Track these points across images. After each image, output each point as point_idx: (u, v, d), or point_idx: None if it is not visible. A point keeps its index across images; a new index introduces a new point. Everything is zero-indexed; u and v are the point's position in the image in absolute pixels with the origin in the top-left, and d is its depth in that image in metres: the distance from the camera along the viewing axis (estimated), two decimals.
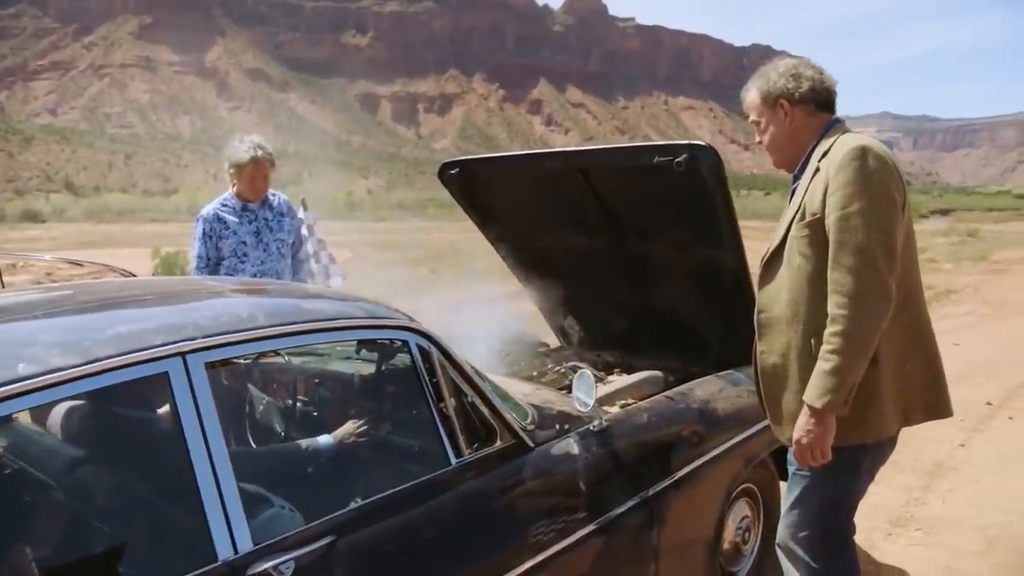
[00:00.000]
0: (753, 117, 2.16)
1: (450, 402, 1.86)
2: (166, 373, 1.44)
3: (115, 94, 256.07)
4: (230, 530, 1.43)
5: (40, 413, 1.64)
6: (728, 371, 2.92)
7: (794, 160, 2.12)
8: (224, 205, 3.58)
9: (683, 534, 2.36)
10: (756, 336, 2.16)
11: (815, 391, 1.87)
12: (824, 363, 1.86)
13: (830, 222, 1.88)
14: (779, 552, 2.18)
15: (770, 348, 2.07)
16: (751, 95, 2.15)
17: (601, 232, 3.43)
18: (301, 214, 5.88)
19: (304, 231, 5.66)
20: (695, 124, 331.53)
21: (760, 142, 2.20)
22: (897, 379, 1.96)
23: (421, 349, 1.85)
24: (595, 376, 3.13)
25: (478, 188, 3.65)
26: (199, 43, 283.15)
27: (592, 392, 2.11)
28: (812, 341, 1.94)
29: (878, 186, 1.87)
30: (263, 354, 1.73)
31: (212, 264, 3.53)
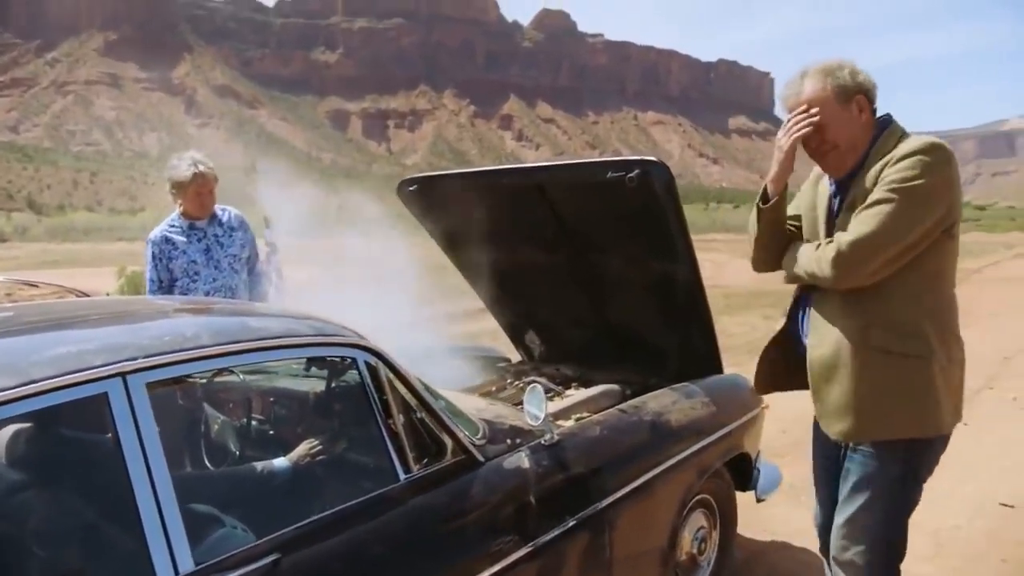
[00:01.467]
0: (813, 112, 2.00)
1: (398, 418, 1.87)
2: (106, 394, 1.43)
3: (80, 111, 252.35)
4: (171, 551, 1.42)
5: None
6: (684, 383, 2.95)
7: (850, 162, 2.05)
8: (172, 226, 3.54)
9: (636, 546, 2.38)
10: (801, 330, 2.16)
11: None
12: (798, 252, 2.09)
13: (880, 185, 1.91)
14: (835, 567, 2.16)
15: (821, 340, 2.05)
16: (814, 88, 2.01)
17: (559, 247, 3.47)
18: (265, 232, 5.84)
19: (267, 248, 5.62)
20: (665, 138, 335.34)
21: (823, 145, 2.04)
22: (945, 375, 2.01)
23: (369, 366, 1.86)
24: (553, 390, 3.18)
25: (437, 205, 3.67)
26: (166, 59, 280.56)
27: (543, 406, 2.13)
28: (868, 332, 1.98)
29: (933, 188, 1.89)
30: (209, 372, 1.72)
31: (166, 286, 3.50)
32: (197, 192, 3.48)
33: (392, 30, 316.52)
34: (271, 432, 2.22)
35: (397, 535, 1.77)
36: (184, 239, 3.51)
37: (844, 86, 2.00)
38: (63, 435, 1.61)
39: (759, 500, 3.19)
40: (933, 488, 4.17)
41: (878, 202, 1.91)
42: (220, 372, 1.85)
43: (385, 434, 1.84)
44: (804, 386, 2.21)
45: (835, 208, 2.11)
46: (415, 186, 3.61)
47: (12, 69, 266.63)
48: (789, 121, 2.06)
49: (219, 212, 3.65)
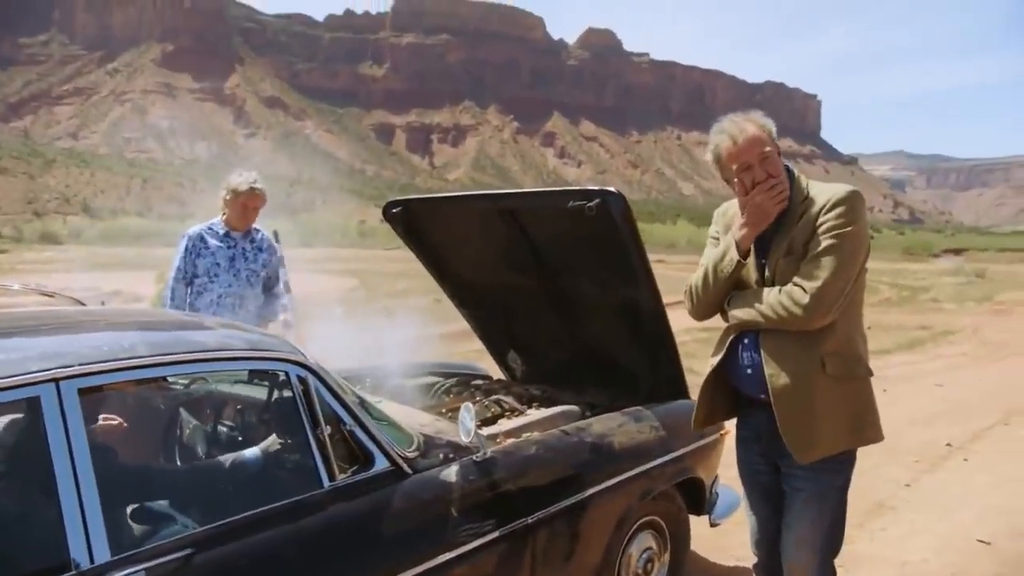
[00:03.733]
0: (765, 149, 2.17)
1: (326, 429, 2.00)
2: (38, 397, 1.59)
3: (135, 119, 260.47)
4: (88, 543, 1.57)
5: None
6: (636, 408, 3.04)
7: None
8: (210, 228, 3.91)
9: (566, 564, 2.46)
10: (753, 363, 2.28)
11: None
12: (750, 297, 2.24)
13: (822, 232, 2.13)
14: None
15: (779, 371, 2.21)
16: (755, 131, 2.19)
17: (532, 271, 3.59)
18: (274, 245, 6.07)
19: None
20: (708, 159, 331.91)
21: (755, 180, 2.20)
22: (871, 389, 2.27)
23: (300, 379, 2.00)
24: (516, 409, 3.29)
25: (420, 226, 3.82)
26: (218, 71, 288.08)
27: (473, 422, 2.24)
28: (825, 361, 2.17)
29: (861, 232, 2.15)
30: (143, 380, 1.88)
31: (188, 278, 3.83)
32: (245, 204, 3.85)
33: (439, 46, 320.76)
34: (203, 437, 2.37)
35: (315, 540, 1.89)
36: (217, 243, 3.86)
37: (769, 132, 2.22)
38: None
39: (713, 524, 3.25)
40: (911, 521, 4.24)
41: (829, 249, 2.12)
42: (155, 380, 2.00)
43: (312, 443, 1.98)
44: (731, 416, 2.43)
45: (763, 250, 2.27)
46: (399, 208, 3.76)
47: (76, 79, 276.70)
48: (764, 185, 2.19)
49: (254, 231, 4.01)
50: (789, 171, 2.26)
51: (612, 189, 2.92)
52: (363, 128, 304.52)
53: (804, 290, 2.12)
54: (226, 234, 3.89)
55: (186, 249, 3.83)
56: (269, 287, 4.08)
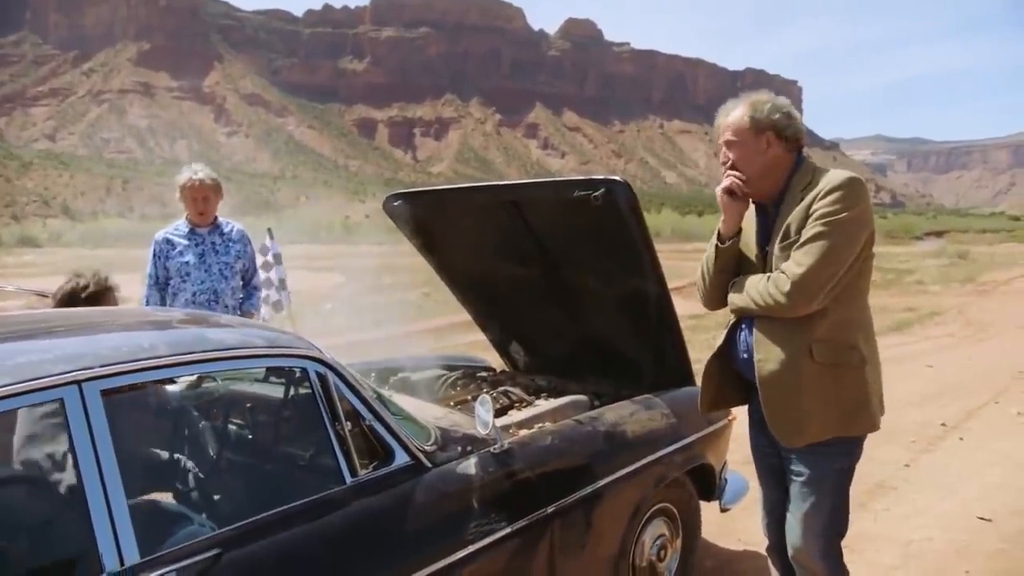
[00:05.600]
0: (728, 136, 2.27)
1: (346, 425, 1.99)
2: (61, 400, 1.57)
3: (113, 119, 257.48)
4: (118, 544, 1.55)
5: None
6: (646, 396, 3.05)
7: (764, 190, 2.29)
8: (176, 229, 3.87)
9: (584, 553, 2.47)
10: (748, 347, 2.30)
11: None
12: (744, 284, 2.27)
13: (813, 219, 2.12)
14: (796, 567, 2.37)
15: (767, 356, 2.23)
16: (737, 115, 2.26)
17: (535, 262, 3.58)
18: (268, 243, 6.04)
19: (270, 258, 5.83)
20: (691, 147, 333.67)
21: (724, 162, 2.31)
22: (872, 377, 2.24)
23: (319, 375, 1.99)
24: (524, 400, 3.29)
25: (421, 219, 3.80)
26: (197, 69, 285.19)
27: (491, 415, 2.24)
28: (812, 349, 2.17)
29: (857, 219, 2.11)
30: (165, 380, 1.86)
31: (161, 283, 3.80)
32: (192, 197, 3.80)
33: (419, 39, 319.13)
34: (227, 436, 2.36)
35: (340, 535, 1.89)
36: (184, 242, 3.81)
37: (759, 120, 2.23)
38: (22, 436, 1.76)
39: (723, 510, 3.27)
40: (913, 501, 4.29)
41: (817, 236, 2.11)
42: (177, 380, 1.99)
43: (333, 439, 1.97)
44: (743, 402, 2.40)
45: (764, 236, 2.30)
46: (399, 201, 3.74)
47: (51, 79, 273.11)
48: (724, 169, 2.31)
49: (223, 223, 3.94)
50: (800, 157, 2.29)
51: (618, 178, 2.92)
52: (345, 123, 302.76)
53: (787, 277, 2.13)
54: (191, 231, 3.85)
55: (154, 254, 3.80)
56: (247, 280, 4.04)
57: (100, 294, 3.03)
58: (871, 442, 2.38)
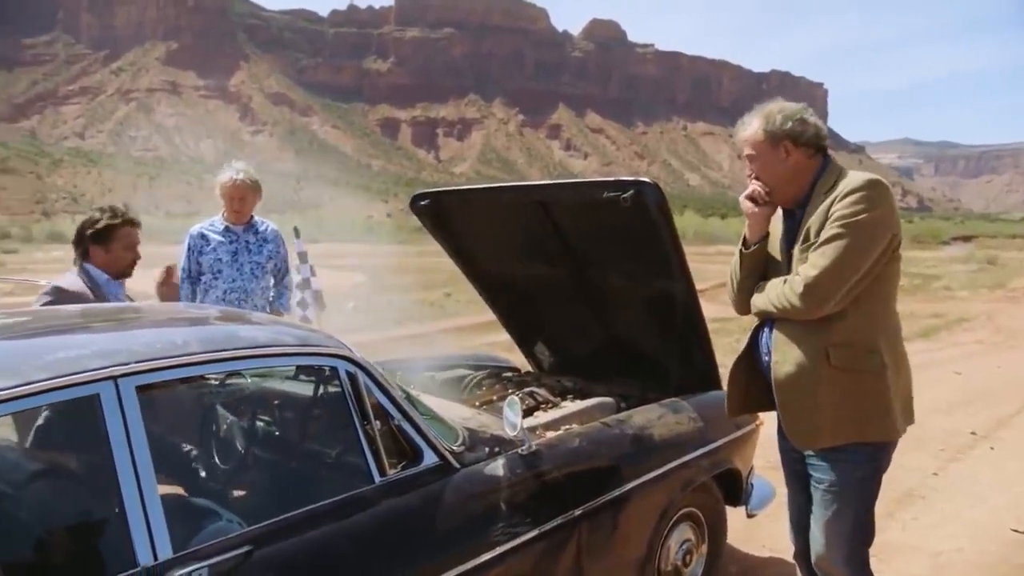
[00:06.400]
0: (748, 151, 2.31)
1: (376, 424, 1.99)
2: (98, 395, 1.59)
3: (141, 118, 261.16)
4: (151, 539, 1.57)
5: None
6: (673, 399, 3.03)
7: (787, 196, 2.30)
8: (211, 225, 3.91)
9: (610, 554, 2.46)
10: (769, 350, 2.30)
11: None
12: (766, 287, 2.27)
13: (830, 221, 2.11)
14: (816, 570, 2.35)
15: (784, 358, 2.22)
16: (751, 130, 2.28)
17: (562, 263, 3.58)
18: (294, 242, 6.10)
19: (296, 259, 5.89)
20: (714, 149, 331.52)
21: (750, 175, 2.35)
22: (896, 384, 2.20)
23: (349, 374, 2.00)
24: (550, 401, 3.28)
25: (448, 218, 3.81)
26: (223, 68, 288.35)
27: (519, 416, 2.23)
28: (829, 352, 2.15)
29: (876, 221, 2.09)
30: (198, 377, 1.88)
31: (193, 277, 3.84)
32: (231, 196, 3.84)
33: (443, 40, 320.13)
34: (257, 433, 2.38)
35: (369, 535, 1.89)
36: (218, 238, 3.85)
37: (772, 132, 2.24)
38: (58, 430, 1.78)
39: (750, 516, 3.24)
40: (942, 510, 4.22)
41: (833, 237, 2.10)
42: (210, 377, 2.00)
43: (362, 438, 1.97)
44: (774, 407, 2.37)
45: (790, 239, 2.29)
46: (427, 200, 3.75)
47: (81, 78, 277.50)
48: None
49: (257, 222, 3.98)
50: (825, 160, 2.28)
51: (647, 180, 2.90)
52: (369, 123, 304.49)
53: (801, 279, 2.13)
54: (226, 229, 3.89)
55: (188, 248, 3.84)
56: (278, 279, 4.07)
57: (112, 228, 3.05)
58: (899, 449, 2.34)
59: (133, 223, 3.17)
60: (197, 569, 1.57)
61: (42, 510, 1.68)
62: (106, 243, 3.10)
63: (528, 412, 3.11)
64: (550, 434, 2.65)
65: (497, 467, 2.22)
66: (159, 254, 4.07)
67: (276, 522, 1.76)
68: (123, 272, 3.17)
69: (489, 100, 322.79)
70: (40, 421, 1.76)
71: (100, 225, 3.09)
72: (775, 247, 2.36)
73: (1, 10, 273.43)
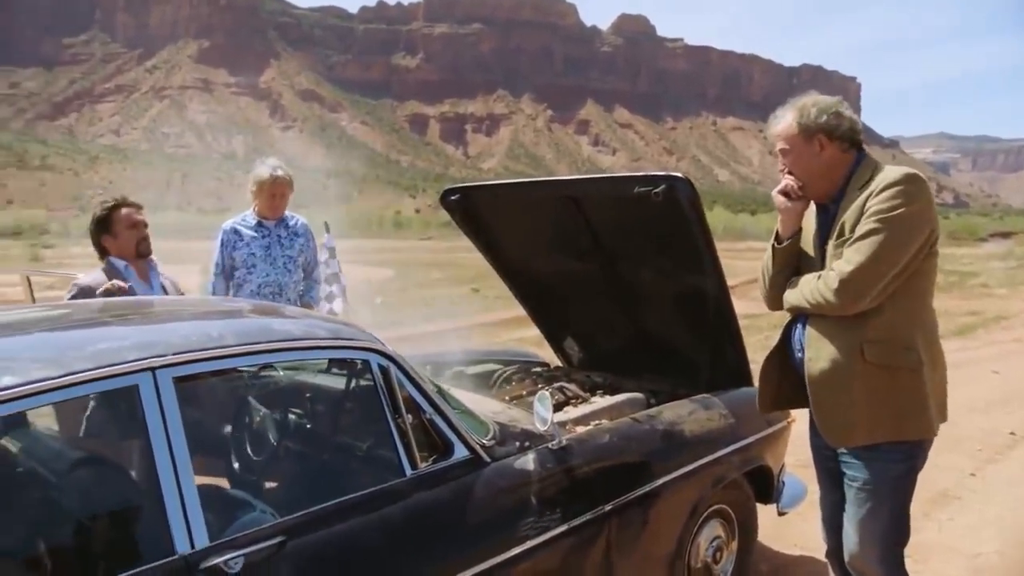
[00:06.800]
0: (781, 145, 2.28)
1: (407, 417, 2.00)
2: (136, 386, 1.62)
3: (174, 115, 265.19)
4: (188, 528, 1.59)
5: (20, 418, 1.84)
6: (704, 395, 3.00)
7: (821, 191, 2.27)
8: (243, 220, 3.94)
9: (640, 550, 2.45)
10: (802, 346, 2.28)
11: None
12: (799, 282, 2.25)
13: (866, 216, 2.08)
14: (854, 574, 2.32)
15: (818, 354, 2.20)
16: (785, 124, 2.26)
17: (593, 258, 3.56)
18: (324, 237, 6.14)
19: (325, 253, 5.93)
20: (744, 144, 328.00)
21: (782, 169, 2.33)
22: (932, 381, 2.17)
23: (381, 368, 2.01)
24: (580, 396, 3.28)
25: (478, 213, 3.81)
26: (254, 65, 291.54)
27: (550, 411, 2.23)
28: (864, 348, 2.12)
29: (913, 216, 2.05)
30: (233, 369, 1.90)
31: (227, 272, 3.88)
32: (271, 192, 3.87)
33: (471, 35, 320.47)
34: (290, 425, 2.40)
35: (400, 527, 1.91)
36: (251, 233, 3.89)
37: (807, 126, 2.21)
38: (98, 420, 1.82)
39: (781, 513, 3.21)
40: (980, 511, 4.13)
41: (869, 233, 2.07)
42: (244, 369, 2.03)
43: (394, 431, 1.98)
44: (806, 404, 2.33)
45: (824, 235, 2.26)
46: (457, 195, 3.76)
47: (116, 76, 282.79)
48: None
49: (288, 217, 4.02)
50: (860, 154, 2.25)
51: (679, 175, 2.87)
52: (397, 119, 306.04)
53: (836, 275, 2.10)
54: (258, 224, 3.92)
55: (222, 243, 3.88)
56: (308, 272, 4.11)
57: (110, 213, 3.14)
58: (934, 448, 2.29)
59: (128, 204, 3.23)
60: (233, 558, 1.59)
61: (83, 498, 1.72)
62: (110, 229, 3.17)
63: (558, 407, 3.10)
64: (580, 429, 2.64)
65: (527, 461, 2.22)
66: (191, 250, 4.12)
67: (309, 513, 1.78)
68: (139, 251, 3.22)
69: (517, 96, 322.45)
70: (81, 411, 1.80)
71: (99, 214, 3.18)
72: (808, 242, 2.33)
73: (43, 11, 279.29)
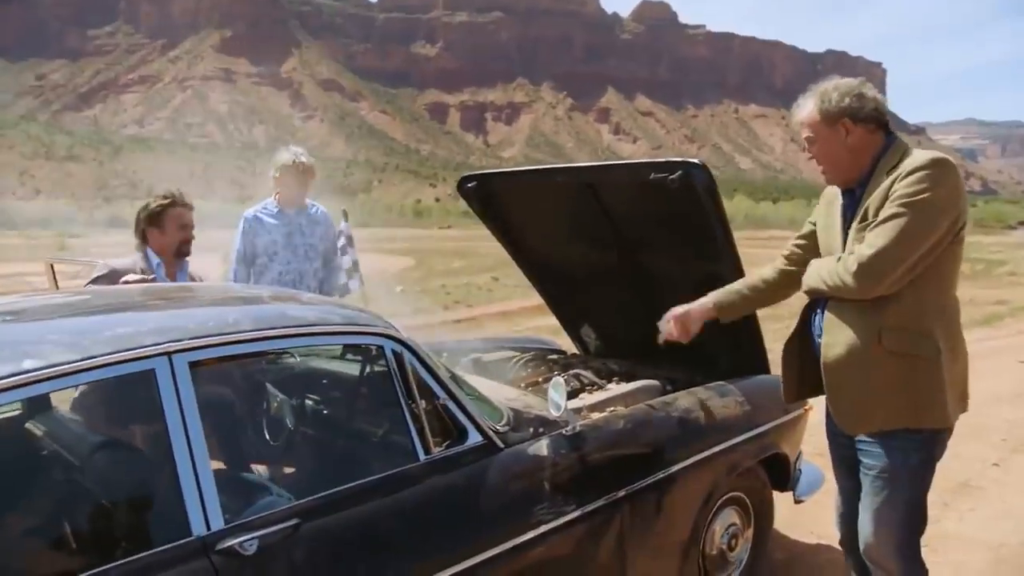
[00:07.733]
0: (806, 133, 2.24)
1: (421, 403, 2.02)
2: (153, 370, 1.64)
3: (196, 105, 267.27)
4: (204, 510, 1.62)
5: (44, 402, 1.88)
6: (720, 382, 2.99)
7: (850, 176, 2.22)
8: (264, 208, 3.97)
9: (654, 538, 2.45)
10: (821, 331, 2.26)
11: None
12: (817, 267, 2.22)
13: (891, 200, 2.05)
14: (868, 563, 2.30)
15: (835, 340, 2.18)
16: (807, 111, 2.21)
17: (610, 245, 3.55)
18: (342, 225, 6.17)
19: (343, 240, 5.96)
20: (767, 132, 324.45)
21: (811, 157, 2.28)
22: (951, 371, 2.14)
23: (395, 353, 2.02)
24: (595, 383, 3.27)
25: (496, 201, 3.81)
26: (275, 55, 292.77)
27: (564, 397, 2.23)
28: (882, 335, 2.09)
29: (938, 200, 2.01)
30: (248, 354, 1.92)
31: (249, 259, 3.92)
32: (294, 179, 3.89)
33: (491, 24, 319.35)
34: (305, 410, 2.43)
35: (413, 511, 1.92)
36: (273, 221, 3.92)
37: (828, 111, 2.17)
38: (115, 404, 1.85)
39: (797, 501, 3.19)
40: (1003, 502, 4.08)
41: (892, 216, 2.03)
42: (260, 354, 2.05)
43: (408, 417, 2.00)
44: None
45: (848, 220, 2.22)
46: (475, 183, 3.76)
47: (140, 67, 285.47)
48: None
49: (309, 205, 4.04)
50: (890, 137, 2.20)
51: (695, 161, 2.85)
52: (417, 108, 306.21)
53: (856, 258, 2.06)
54: (279, 212, 3.94)
55: (243, 231, 3.90)
56: (328, 260, 4.13)
57: (165, 209, 3.17)
58: (956, 438, 2.26)
59: (184, 204, 3.26)
60: (248, 540, 1.62)
61: (101, 480, 1.75)
62: (160, 224, 3.20)
63: (573, 394, 3.10)
64: (595, 415, 2.64)
65: (541, 447, 2.23)
66: (213, 238, 4.16)
67: (323, 497, 1.80)
68: (180, 251, 3.27)
69: (537, 84, 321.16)
70: (100, 395, 1.83)
71: (154, 207, 3.21)
72: (832, 227, 2.29)
73: (68, 3, 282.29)
